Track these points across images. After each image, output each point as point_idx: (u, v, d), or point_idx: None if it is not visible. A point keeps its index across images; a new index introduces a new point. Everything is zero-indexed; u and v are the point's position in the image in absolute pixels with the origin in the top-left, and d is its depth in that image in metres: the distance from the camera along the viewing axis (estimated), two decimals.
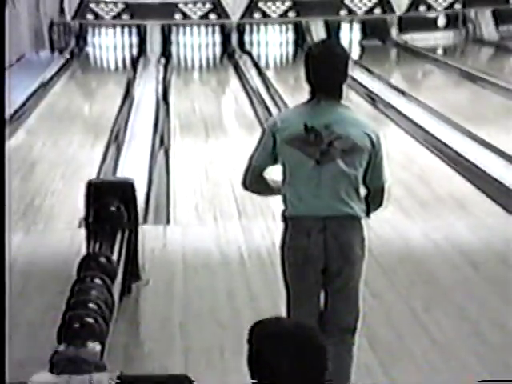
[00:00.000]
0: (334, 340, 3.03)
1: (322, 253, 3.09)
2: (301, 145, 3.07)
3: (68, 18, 15.82)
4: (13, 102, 10.43)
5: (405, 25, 16.40)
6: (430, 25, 16.62)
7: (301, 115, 3.14)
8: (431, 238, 5.47)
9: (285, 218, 3.17)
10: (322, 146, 3.07)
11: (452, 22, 16.70)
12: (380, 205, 3.27)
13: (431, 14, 16.56)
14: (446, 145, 7.93)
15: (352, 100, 10.84)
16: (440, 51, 15.76)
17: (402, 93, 10.98)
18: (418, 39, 16.13)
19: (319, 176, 3.08)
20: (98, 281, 3.75)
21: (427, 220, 5.90)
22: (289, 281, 3.17)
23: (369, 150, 3.13)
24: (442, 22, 16.68)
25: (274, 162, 3.18)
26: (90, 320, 3.32)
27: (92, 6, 15.86)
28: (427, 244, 5.37)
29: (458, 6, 16.41)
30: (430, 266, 5.02)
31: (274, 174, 3.29)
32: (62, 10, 15.78)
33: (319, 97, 3.12)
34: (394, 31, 16.55)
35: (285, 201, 3.17)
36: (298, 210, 3.11)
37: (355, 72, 13.06)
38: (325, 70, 3.10)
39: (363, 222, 3.19)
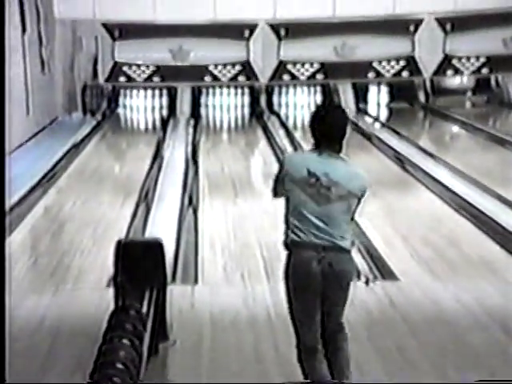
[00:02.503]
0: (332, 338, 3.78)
1: (320, 280, 3.70)
2: (303, 186, 3.68)
3: (101, 80, 16.14)
4: (45, 163, 10.59)
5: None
6: (459, 88, 16.74)
7: (305, 161, 3.74)
8: (462, 300, 5.40)
9: (287, 247, 3.76)
10: (322, 189, 3.67)
11: (480, 85, 16.80)
12: None
13: (459, 78, 16.70)
14: (475, 207, 7.89)
15: (381, 161, 10.87)
16: (468, 114, 15.80)
17: (431, 155, 10.99)
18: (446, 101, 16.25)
19: (318, 214, 3.67)
20: (125, 341, 3.75)
21: (457, 283, 5.84)
22: (293, 302, 3.80)
23: (359, 196, 3.79)
24: (470, 85, 16.80)
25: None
26: (118, 380, 3.31)
27: (125, 68, 16.19)
28: (457, 307, 5.30)
29: (485, 71, 16.51)
30: (460, 330, 4.95)
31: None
32: (95, 73, 16.11)
33: (322, 148, 3.72)
34: (421, 94, 16.66)
35: (287, 231, 3.74)
36: (299, 242, 3.69)
37: (383, 134, 13.12)
38: (328, 128, 3.69)
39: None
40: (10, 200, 8.11)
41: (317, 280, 3.69)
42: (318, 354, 3.76)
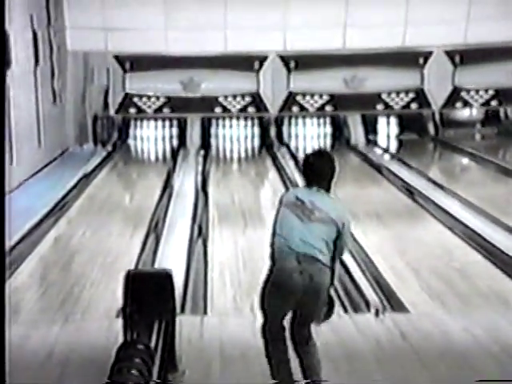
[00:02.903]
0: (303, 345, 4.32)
1: (300, 291, 4.19)
2: (291, 206, 4.29)
3: (112, 111, 16.26)
4: (55, 194, 10.64)
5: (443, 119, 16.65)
6: (468, 120, 16.79)
7: (296, 191, 4.57)
8: (472, 332, 5.37)
9: (273, 256, 4.33)
10: (306, 210, 4.25)
11: (489, 118, 16.84)
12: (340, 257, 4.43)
13: (468, 110, 16.75)
14: (485, 239, 7.86)
15: (391, 192, 10.87)
16: (477, 146, 15.83)
17: (441, 187, 10.98)
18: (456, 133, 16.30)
19: (301, 229, 4.22)
20: (134, 372, 3.74)
21: (468, 314, 5.81)
22: (269, 301, 4.31)
23: (338, 226, 4.26)
24: (479, 118, 16.85)
25: None
26: None
27: (135, 100, 16.31)
28: (468, 339, 5.27)
29: (494, 103, 16.56)
30: (471, 361, 4.91)
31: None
32: (106, 105, 16.23)
33: (312, 185, 4.34)
34: (430, 126, 16.70)
35: (273, 240, 4.32)
36: (283, 249, 4.26)
37: (393, 165, 13.13)
38: (316, 173, 4.33)
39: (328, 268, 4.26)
40: (11, 225, 8.14)
41: (297, 291, 4.20)
42: (282, 335, 4.35)
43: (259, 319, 5.72)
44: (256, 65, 16.24)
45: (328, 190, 4.31)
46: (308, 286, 4.16)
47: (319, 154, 4.52)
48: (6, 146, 10.83)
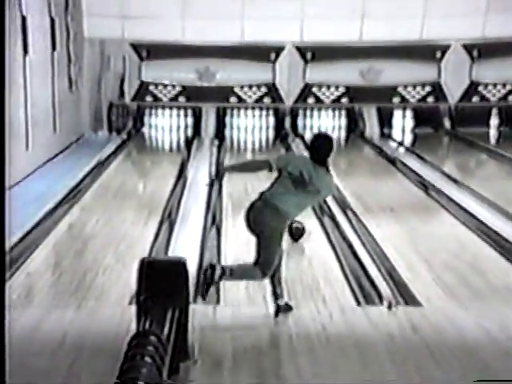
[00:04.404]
0: None
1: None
2: (295, 177, 5.43)
3: (127, 99, 16.28)
4: (69, 180, 10.67)
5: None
6: (484, 115, 16.70)
7: (301, 166, 5.45)
8: (485, 327, 5.35)
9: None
10: (302, 183, 5.40)
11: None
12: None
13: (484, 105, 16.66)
14: (499, 234, 7.84)
15: (405, 186, 10.85)
16: (493, 141, 15.75)
17: (455, 181, 10.95)
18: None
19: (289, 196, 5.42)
20: (147, 359, 3.75)
21: (481, 309, 5.79)
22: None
23: (321, 194, 5.50)
24: (495, 110, 16.74)
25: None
26: None
27: (151, 88, 16.32)
28: (481, 334, 5.26)
29: (511, 98, 16.47)
30: (483, 356, 4.90)
31: None
32: (121, 93, 16.26)
33: (314, 162, 5.46)
34: (446, 120, 16.64)
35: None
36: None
37: (407, 159, 13.10)
38: (321, 149, 5.47)
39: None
40: (11, 216, 8.17)
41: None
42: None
43: (271, 309, 5.75)
44: (272, 55, 16.22)
45: (325, 163, 5.43)
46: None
47: (320, 136, 5.71)
48: (22, 131, 10.88)
